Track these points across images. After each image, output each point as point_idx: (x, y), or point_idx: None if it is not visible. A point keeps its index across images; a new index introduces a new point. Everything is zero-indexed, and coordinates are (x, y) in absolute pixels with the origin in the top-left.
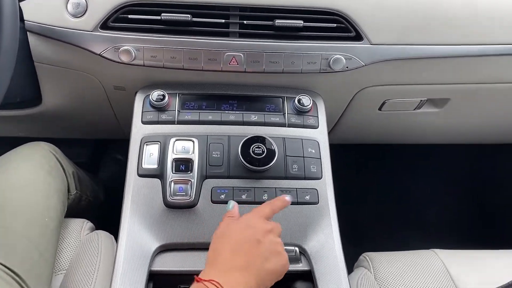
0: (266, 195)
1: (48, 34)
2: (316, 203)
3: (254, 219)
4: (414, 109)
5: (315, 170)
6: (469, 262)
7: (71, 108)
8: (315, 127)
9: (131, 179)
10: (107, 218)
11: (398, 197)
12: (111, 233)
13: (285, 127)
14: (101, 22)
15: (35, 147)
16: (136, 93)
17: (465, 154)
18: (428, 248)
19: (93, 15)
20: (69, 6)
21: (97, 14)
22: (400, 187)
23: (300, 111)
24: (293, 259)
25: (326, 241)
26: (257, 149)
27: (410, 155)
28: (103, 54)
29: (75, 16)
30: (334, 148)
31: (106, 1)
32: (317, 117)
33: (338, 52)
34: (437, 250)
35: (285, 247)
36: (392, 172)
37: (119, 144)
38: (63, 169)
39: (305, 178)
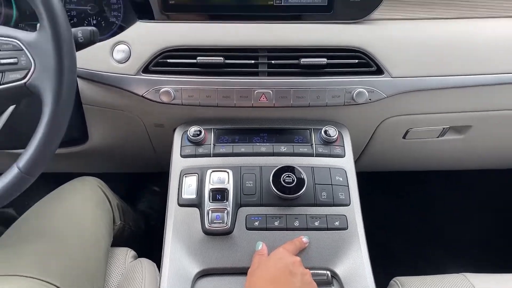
0: (297, 221)
1: (96, 79)
2: (345, 228)
3: (282, 254)
4: (437, 137)
5: (343, 197)
6: (500, 286)
7: (113, 145)
8: (341, 156)
9: (172, 208)
10: (148, 246)
11: (427, 221)
12: (152, 259)
13: (313, 156)
14: (143, 67)
15: (85, 181)
16: (174, 129)
17: (495, 177)
18: (459, 272)
19: (136, 61)
20: (115, 54)
21: (139, 60)
22: (429, 211)
23: (327, 142)
24: (325, 283)
25: (357, 265)
26: (287, 178)
27: (439, 179)
28: (145, 95)
29: (120, 62)
30: (361, 175)
31: (147, 48)
32: (343, 146)
33: (361, 85)
34: (468, 274)
35: (317, 271)
36: (421, 196)
37: (155, 177)
38: (109, 201)
39: (334, 205)
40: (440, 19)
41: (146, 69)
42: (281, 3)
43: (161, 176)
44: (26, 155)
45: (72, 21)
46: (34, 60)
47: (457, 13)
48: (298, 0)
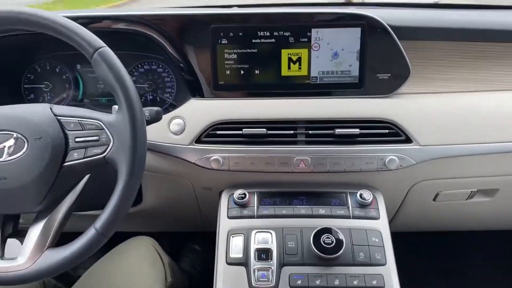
0: (337, 280)
1: (155, 149)
2: (382, 287)
3: None
4: (466, 199)
5: (380, 257)
6: None
7: (163, 206)
8: (376, 218)
9: (221, 267)
10: None
11: (461, 280)
12: None
13: (350, 219)
14: (196, 138)
15: (140, 241)
16: (220, 192)
17: None
18: None
19: (190, 133)
20: (171, 127)
21: (193, 132)
22: (462, 270)
23: (362, 205)
24: None
25: None
26: (327, 239)
27: (469, 240)
28: (197, 163)
29: (175, 134)
30: (395, 236)
31: (200, 122)
32: (378, 209)
33: (392, 153)
34: None
35: None
36: (453, 256)
37: (196, 236)
38: (161, 259)
39: (371, 265)
40: (460, 92)
41: (198, 140)
42: (317, 81)
43: (202, 236)
44: (102, 218)
45: None
46: (112, 137)
47: (475, 86)
48: (332, 79)
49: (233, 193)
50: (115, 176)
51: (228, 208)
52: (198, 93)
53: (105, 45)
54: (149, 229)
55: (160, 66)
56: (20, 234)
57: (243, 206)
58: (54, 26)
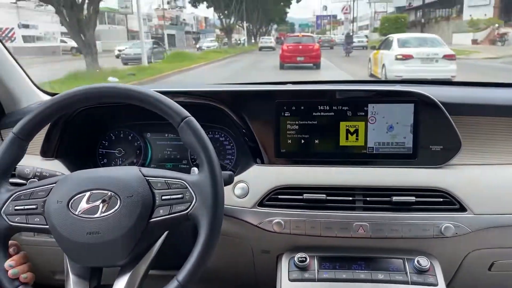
0: None
1: None
2: None
3: None
4: None
5: None
6: None
7: (220, 269)
8: (434, 285)
9: None
10: None
11: None
12: None
13: (409, 284)
14: (258, 201)
15: None
16: (277, 256)
17: None
18: None
19: (253, 196)
20: (236, 191)
21: (256, 195)
22: None
23: (420, 271)
24: None
25: None
26: None
27: None
28: (259, 225)
29: (239, 197)
30: None
31: (263, 187)
32: (436, 276)
33: (447, 221)
34: None
35: None
36: None
37: None
38: None
39: None
40: (509, 164)
41: (261, 203)
42: (373, 151)
43: None
44: (185, 270)
45: (194, 163)
46: (195, 195)
47: None
48: (387, 149)
49: (293, 256)
50: (184, 238)
51: (289, 271)
52: (259, 159)
53: (190, 115)
54: None
55: (223, 135)
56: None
57: (303, 269)
58: (148, 99)
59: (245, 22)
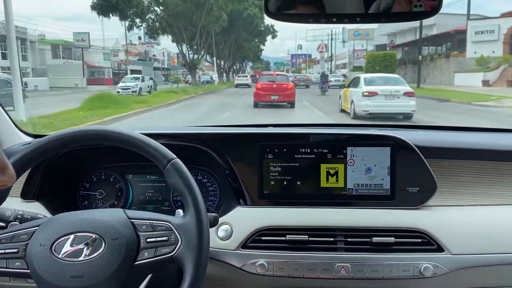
0: None
1: None
2: None
3: None
4: None
5: None
6: None
7: None
8: None
9: None
10: None
11: None
12: None
13: None
14: (242, 243)
15: None
16: None
17: None
18: None
19: (236, 238)
20: (220, 233)
21: (239, 237)
22: None
23: None
24: None
25: None
26: None
27: None
28: (242, 268)
29: (222, 239)
30: None
31: (246, 228)
32: None
33: (426, 261)
34: None
35: None
36: None
37: None
38: None
39: None
40: (483, 206)
41: (244, 245)
42: (352, 193)
43: None
44: None
45: (176, 205)
46: (181, 237)
47: (496, 200)
48: (366, 191)
49: None
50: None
51: None
52: (242, 201)
53: (176, 157)
54: None
55: (205, 176)
56: None
57: None
58: (134, 141)
59: (215, 58)
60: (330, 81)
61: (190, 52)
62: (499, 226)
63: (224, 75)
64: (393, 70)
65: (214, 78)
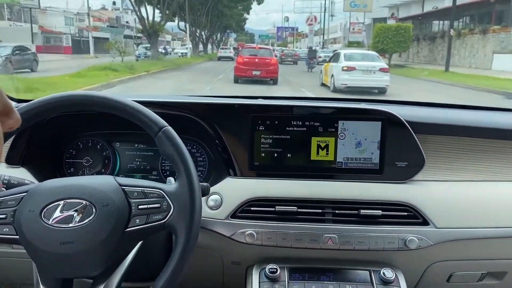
0: None
1: None
2: None
3: None
4: (477, 281)
5: None
6: None
7: (188, 280)
8: None
9: None
10: None
11: None
12: None
13: None
14: (231, 213)
15: None
16: (247, 267)
17: None
18: None
19: (226, 208)
20: (209, 202)
21: (229, 207)
22: None
23: (385, 282)
24: None
25: None
26: None
27: None
28: (231, 237)
29: (212, 209)
30: None
31: (236, 199)
32: (400, 287)
33: (412, 234)
34: None
35: None
36: None
37: None
38: None
39: None
40: (468, 181)
41: (233, 215)
42: (342, 166)
43: None
44: (162, 277)
45: (165, 174)
46: (173, 205)
47: (480, 176)
48: (355, 164)
49: (264, 268)
50: (156, 250)
51: (259, 282)
52: (232, 172)
53: (167, 124)
54: None
55: (194, 147)
56: None
57: (274, 280)
58: (125, 108)
59: (188, 25)
60: (320, 57)
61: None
62: (482, 202)
63: (202, 46)
64: (407, 46)
65: (187, 50)
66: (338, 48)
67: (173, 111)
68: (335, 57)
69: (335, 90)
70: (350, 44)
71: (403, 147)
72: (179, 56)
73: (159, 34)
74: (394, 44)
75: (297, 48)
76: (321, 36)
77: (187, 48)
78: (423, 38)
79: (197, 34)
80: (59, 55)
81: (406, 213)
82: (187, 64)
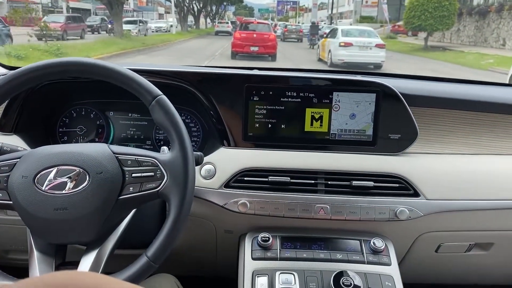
0: None
1: None
2: None
3: None
4: (465, 252)
5: None
6: None
7: (183, 248)
8: (388, 264)
9: None
10: None
11: None
12: None
13: (365, 264)
14: (225, 183)
15: (164, 278)
16: (240, 236)
17: None
18: None
19: (219, 178)
20: (203, 172)
21: (222, 177)
22: None
23: (375, 251)
24: None
25: None
26: (346, 281)
27: None
28: (224, 206)
29: (205, 178)
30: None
31: (229, 168)
32: (389, 256)
33: (402, 205)
34: None
35: None
36: None
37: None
38: None
39: None
40: (460, 154)
41: (227, 185)
42: (335, 137)
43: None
44: (154, 246)
45: (159, 144)
46: (166, 173)
47: (472, 150)
48: (349, 136)
49: (256, 236)
50: (149, 218)
51: (252, 250)
52: (226, 142)
53: (162, 93)
54: (165, 270)
55: (188, 117)
56: (71, 264)
57: (266, 248)
58: (118, 76)
59: None
60: (324, 33)
61: None
62: (473, 175)
63: (193, 20)
64: (451, 23)
65: (164, 24)
66: (347, 23)
67: (167, 80)
68: (332, 33)
69: (332, 65)
70: (363, 20)
71: (397, 119)
72: (153, 32)
73: (124, 2)
74: (435, 20)
75: (299, 23)
76: (327, 11)
77: (166, 22)
78: (468, 13)
79: (185, 5)
80: (28, 27)
81: (398, 185)
82: (166, 43)
